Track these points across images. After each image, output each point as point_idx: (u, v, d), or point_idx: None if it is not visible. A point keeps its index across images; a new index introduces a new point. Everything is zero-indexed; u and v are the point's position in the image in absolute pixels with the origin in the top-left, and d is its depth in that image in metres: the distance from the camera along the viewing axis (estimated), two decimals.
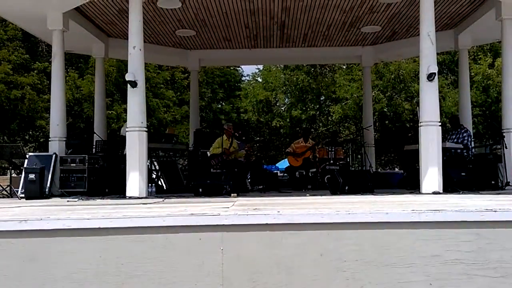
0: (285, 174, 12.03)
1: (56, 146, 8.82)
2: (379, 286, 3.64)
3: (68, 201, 6.95)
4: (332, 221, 3.76)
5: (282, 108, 25.83)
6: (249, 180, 10.79)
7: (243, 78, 29.72)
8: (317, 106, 24.39)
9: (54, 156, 8.59)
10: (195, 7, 9.82)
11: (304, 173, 10.64)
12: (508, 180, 8.54)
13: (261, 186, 10.09)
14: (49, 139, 9.03)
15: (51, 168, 8.41)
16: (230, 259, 3.67)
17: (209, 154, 10.16)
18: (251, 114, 25.09)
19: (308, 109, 23.70)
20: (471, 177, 8.22)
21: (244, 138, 11.00)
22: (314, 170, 10.50)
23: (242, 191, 8.81)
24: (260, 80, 27.55)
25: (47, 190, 8.22)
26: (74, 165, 8.56)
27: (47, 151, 9.02)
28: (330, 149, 10.60)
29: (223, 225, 3.72)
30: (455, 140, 9.46)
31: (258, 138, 26.01)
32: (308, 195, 7.76)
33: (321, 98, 24.44)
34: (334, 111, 21.10)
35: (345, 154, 11.54)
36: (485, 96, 19.29)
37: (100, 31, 11.14)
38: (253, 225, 3.74)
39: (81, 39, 10.73)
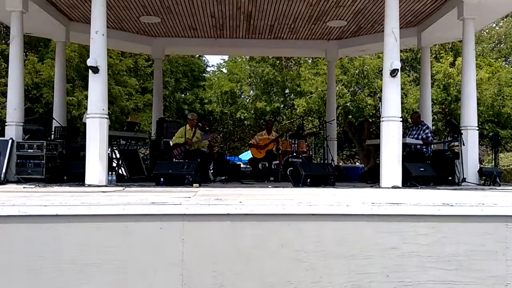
0: (248, 166, 12.02)
1: (12, 131, 8.56)
2: (337, 277, 3.69)
3: (24, 187, 6.77)
4: (294, 213, 3.78)
5: (247, 100, 25.76)
6: (212, 171, 10.75)
7: (208, 69, 29.53)
8: (282, 98, 24.44)
9: (10, 141, 8.34)
10: None
11: (267, 165, 10.66)
12: (464, 176, 8.79)
13: (224, 177, 10.05)
14: (6, 124, 8.74)
15: (7, 154, 8.17)
16: (190, 249, 3.65)
17: (171, 144, 10.06)
18: (215, 105, 24.93)
19: (273, 102, 23.75)
20: (429, 173, 8.43)
21: (207, 128, 10.92)
22: (277, 162, 10.53)
23: (205, 182, 8.77)
24: (225, 71, 27.39)
25: (2, 176, 7.98)
26: (32, 151, 8.34)
27: (3, 136, 8.73)
28: (293, 142, 10.65)
29: (185, 214, 3.70)
30: (416, 136, 9.66)
31: (221, 129, 25.89)
32: (270, 186, 7.78)
33: (286, 91, 24.50)
34: (299, 104, 21.18)
35: (307, 147, 11.63)
36: (445, 94, 19.74)
37: (62, 14, 10.83)
38: (215, 215, 3.72)
39: (42, 22, 10.41)
